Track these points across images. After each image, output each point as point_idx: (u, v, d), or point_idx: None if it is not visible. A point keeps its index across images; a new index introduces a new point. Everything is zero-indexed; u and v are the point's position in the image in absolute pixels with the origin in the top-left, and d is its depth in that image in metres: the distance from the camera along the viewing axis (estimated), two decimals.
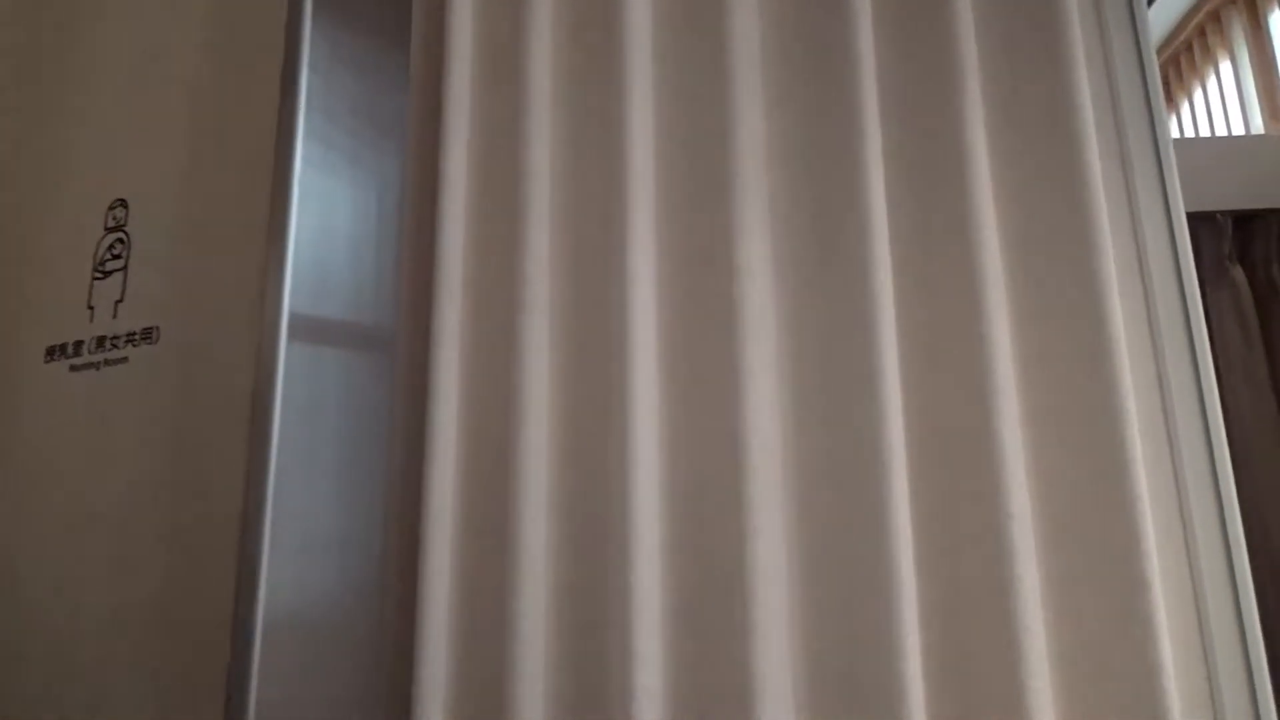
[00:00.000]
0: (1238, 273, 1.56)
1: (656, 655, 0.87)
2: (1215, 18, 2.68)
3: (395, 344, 0.97)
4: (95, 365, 0.95)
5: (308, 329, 0.86)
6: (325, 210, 0.90)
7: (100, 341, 0.96)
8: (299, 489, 0.84)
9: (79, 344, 0.97)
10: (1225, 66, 2.65)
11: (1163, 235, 0.94)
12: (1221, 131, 2.63)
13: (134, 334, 0.93)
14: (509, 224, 0.97)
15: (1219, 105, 2.67)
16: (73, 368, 0.97)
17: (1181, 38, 2.83)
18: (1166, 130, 1.00)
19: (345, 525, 0.89)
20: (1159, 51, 2.91)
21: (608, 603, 0.88)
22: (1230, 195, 1.62)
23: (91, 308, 0.98)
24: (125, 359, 0.93)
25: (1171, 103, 2.88)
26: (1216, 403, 0.88)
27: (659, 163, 1.00)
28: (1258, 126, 2.50)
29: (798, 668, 0.87)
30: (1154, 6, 2.72)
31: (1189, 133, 2.81)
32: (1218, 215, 1.61)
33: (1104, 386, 0.86)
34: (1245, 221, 1.60)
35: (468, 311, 0.97)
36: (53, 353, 1.00)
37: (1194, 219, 1.62)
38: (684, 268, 0.97)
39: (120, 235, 0.98)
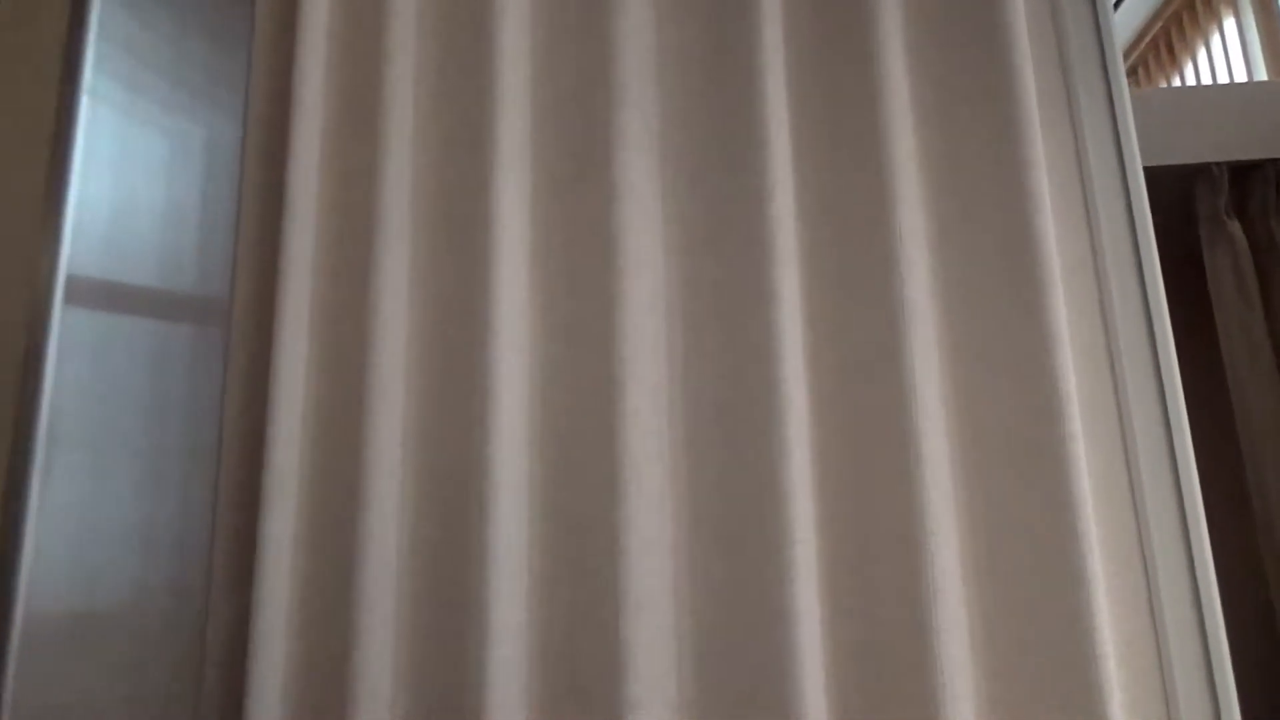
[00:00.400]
0: (1234, 227, 1.44)
1: (520, 627, 0.77)
2: None
3: (230, 313, 0.85)
4: None
5: (97, 294, 0.74)
6: (128, 161, 0.78)
7: None
8: (86, 470, 0.72)
9: None
10: (1229, 23, 2.50)
11: (1112, 163, 0.80)
12: None
13: None
14: (367, 152, 0.86)
15: (1223, 62, 2.52)
16: None
17: None
18: (1115, 50, 0.86)
19: (156, 510, 0.78)
20: (1160, 11, 2.76)
21: (467, 569, 0.77)
22: (1227, 145, 1.50)
23: None
24: None
25: (1174, 61, 2.73)
26: (1169, 341, 0.75)
27: (535, 71, 0.89)
28: None
29: (681, 639, 0.76)
30: None
31: None
32: (1214, 167, 1.50)
33: (1034, 317, 0.73)
34: (1243, 173, 1.49)
35: (319, 247, 0.86)
36: None
37: (1189, 171, 1.51)
38: (558, 189, 0.86)
39: None
